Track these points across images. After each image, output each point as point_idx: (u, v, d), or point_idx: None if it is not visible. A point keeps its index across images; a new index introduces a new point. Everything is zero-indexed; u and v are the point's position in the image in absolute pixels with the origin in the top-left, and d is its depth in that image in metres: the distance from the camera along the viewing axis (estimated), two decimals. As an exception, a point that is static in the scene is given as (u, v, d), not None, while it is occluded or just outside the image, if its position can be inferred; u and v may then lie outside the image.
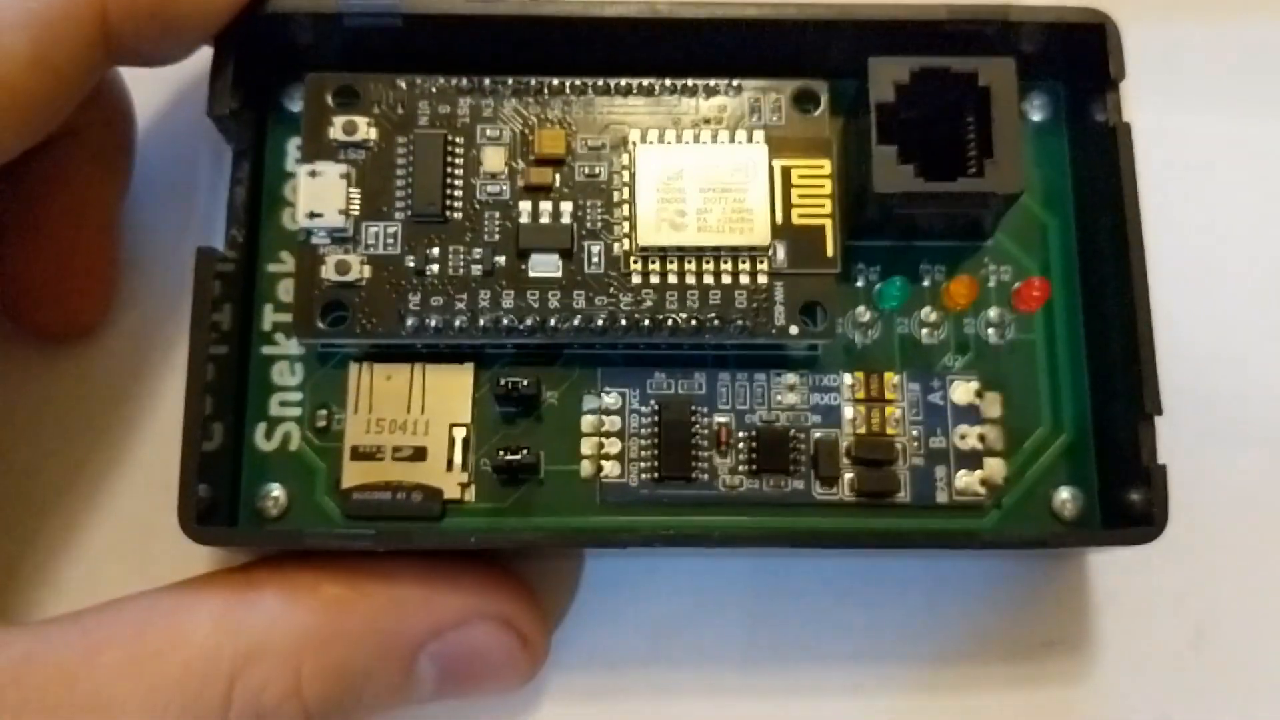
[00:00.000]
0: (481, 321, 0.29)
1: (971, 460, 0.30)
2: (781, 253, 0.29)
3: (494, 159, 0.30)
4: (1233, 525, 0.32)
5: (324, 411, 0.30)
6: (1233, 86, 0.35)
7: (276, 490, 0.29)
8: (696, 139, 0.30)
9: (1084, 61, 0.30)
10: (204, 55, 0.29)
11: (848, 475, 0.30)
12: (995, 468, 0.30)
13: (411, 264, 0.29)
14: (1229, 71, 0.35)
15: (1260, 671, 0.31)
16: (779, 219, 0.29)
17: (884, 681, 0.31)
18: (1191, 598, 0.31)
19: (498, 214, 0.29)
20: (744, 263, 0.29)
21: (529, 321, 0.29)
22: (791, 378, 0.30)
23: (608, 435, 0.30)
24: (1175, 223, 0.32)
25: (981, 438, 0.30)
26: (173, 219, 0.33)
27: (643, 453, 0.29)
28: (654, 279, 0.29)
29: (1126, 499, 0.29)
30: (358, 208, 0.29)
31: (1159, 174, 0.31)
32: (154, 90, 0.33)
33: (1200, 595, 0.31)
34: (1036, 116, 0.32)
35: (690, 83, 0.30)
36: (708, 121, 0.30)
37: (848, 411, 0.30)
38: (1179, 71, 0.35)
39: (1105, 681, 0.31)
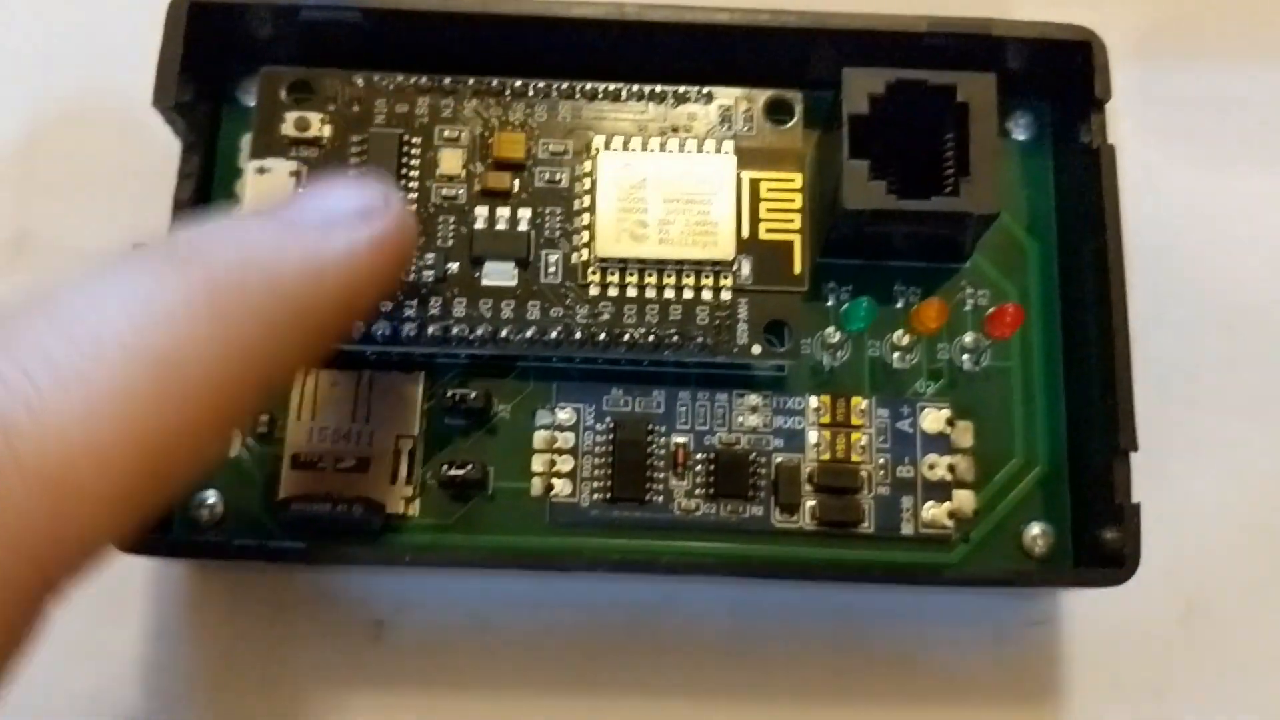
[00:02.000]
0: (431, 330, 0.28)
1: (940, 491, 0.28)
2: (746, 268, 0.28)
3: (451, 161, 0.29)
4: (1221, 497, 0.31)
5: (266, 417, 0.29)
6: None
7: (212, 498, 0.28)
8: (663, 147, 0.29)
9: (1070, 81, 0.29)
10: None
11: (809, 503, 0.28)
12: (964, 500, 0.28)
13: (360, 268, 0.28)
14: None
15: (1253, 646, 0.30)
16: (745, 233, 0.28)
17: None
18: (1181, 572, 0.30)
19: (453, 219, 0.28)
20: (707, 277, 0.28)
21: (480, 331, 0.28)
22: (754, 399, 0.29)
23: (560, 452, 0.28)
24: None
25: (951, 468, 0.29)
26: (126, 211, 0.32)
27: (596, 472, 0.28)
28: (612, 291, 0.28)
29: (1100, 537, 0.27)
30: (307, 207, 0.28)
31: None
32: (114, 71, 0.32)
33: (1189, 570, 0.30)
34: (1021, 136, 0.31)
35: (659, 89, 0.29)
36: (675, 130, 0.29)
37: (812, 436, 0.29)
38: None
39: (1094, 659, 0.30)
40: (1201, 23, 0.35)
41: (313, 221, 0.21)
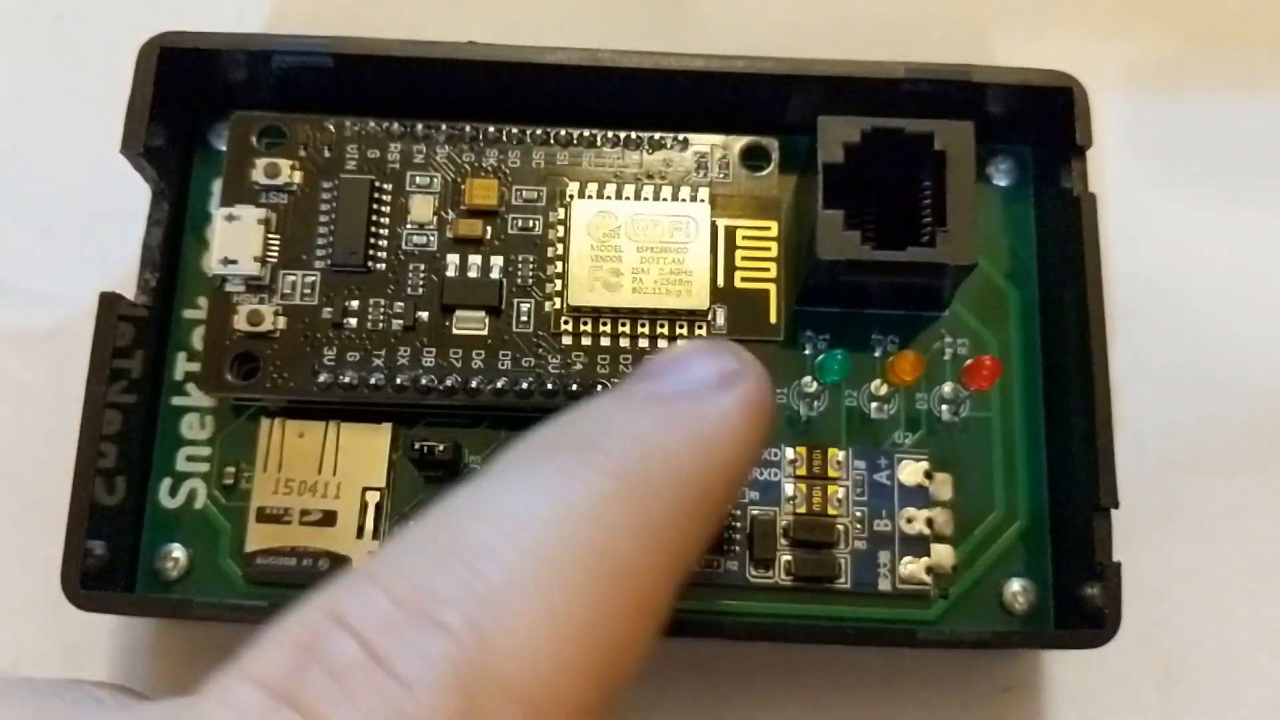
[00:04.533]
0: (399, 380, 0.27)
1: (918, 546, 0.28)
2: (721, 318, 0.28)
3: (422, 208, 0.28)
4: (1198, 559, 0.30)
5: (233, 469, 0.28)
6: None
7: (178, 551, 0.28)
8: (637, 194, 0.28)
9: (1051, 126, 0.29)
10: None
11: (785, 557, 0.28)
12: (943, 555, 0.28)
13: (329, 316, 0.28)
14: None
15: (1230, 710, 0.29)
16: (720, 282, 0.28)
17: None
18: (1158, 636, 0.30)
19: (423, 266, 0.28)
20: (681, 327, 0.28)
21: (450, 382, 0.27)
22: (730, 450, 0.28)
23: (531, 505, 0.28)
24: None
25: (930, 522, 0.28)
26: (94, 256, 0.31)
27: (567, 525, 0.28)
28: (585, 341, 0.28)
29: (1081, 594, 0.27)
30: (276, 254, 0.28)
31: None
32: (94, 116, 0.32)
33: (1167, 634, 0.30)
34: (1002, 182, 0.31)
35: (634, 135, 0.29)
36: (650, 176, 0.29)
37: (788, 488, 0.28)
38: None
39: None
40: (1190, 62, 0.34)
41: (683, 393, 0.21)
